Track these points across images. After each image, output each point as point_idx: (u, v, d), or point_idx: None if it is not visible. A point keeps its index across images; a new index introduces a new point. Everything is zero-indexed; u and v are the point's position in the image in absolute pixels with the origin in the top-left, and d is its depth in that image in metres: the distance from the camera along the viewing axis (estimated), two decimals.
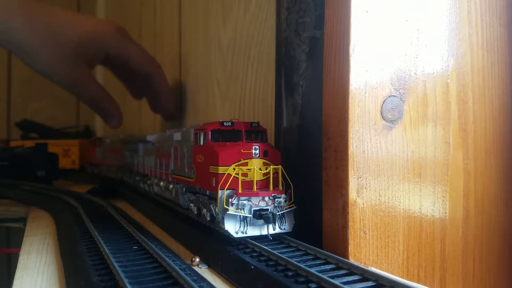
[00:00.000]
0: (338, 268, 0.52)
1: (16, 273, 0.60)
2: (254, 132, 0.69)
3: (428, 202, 0.63)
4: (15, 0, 1.08)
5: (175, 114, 1.37)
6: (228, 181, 0.62)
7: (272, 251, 0.56)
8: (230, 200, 0.61)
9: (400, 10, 0.61)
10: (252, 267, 0.54)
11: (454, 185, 0.65)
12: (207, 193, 0.68)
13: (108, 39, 1.15)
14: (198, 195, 0.73)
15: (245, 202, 0.61)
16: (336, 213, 0.60)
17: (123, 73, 1.30)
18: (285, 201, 0.63)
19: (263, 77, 0.88)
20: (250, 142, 0.66)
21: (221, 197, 0.62)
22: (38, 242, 0.76)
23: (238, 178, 0.62)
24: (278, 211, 0.62)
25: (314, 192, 0.65)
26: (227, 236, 0.62)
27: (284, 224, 0.63)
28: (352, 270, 0.50)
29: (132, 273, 0.52)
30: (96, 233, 0.69)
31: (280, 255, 0.55)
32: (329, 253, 0.56)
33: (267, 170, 0.64)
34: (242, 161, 0.63)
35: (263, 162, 0.64)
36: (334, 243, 0.61)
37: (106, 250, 0.59)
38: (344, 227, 0.59)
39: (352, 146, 0.58)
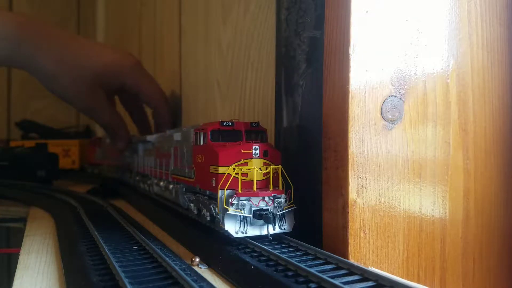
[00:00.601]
0: (338, 268, 0.52)
1: (16, 273, 0.60)
2: (254, 132, 0.69)
3: (428, 202, 0.63)
4: (42, 27, 1.15)
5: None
6: (228, 181, 0.62)
7: (272, 251, 0.56)
8: (230, 200, 0.61)
9: (400, 10, 0.61)
10: (252, 267, 0.54)
11: (454, 185, 0.65)
12: (207, 193, 0.68)
13: (125, 72, 1.25)
14: (198, 195, 0.73)
15: (245, 202, 0.61)
16: (336, 213, 0.60)
17: (130, 102, 1.40)
18: (285, 201, 0.63)
19: (263, 77, 0.88)
20: (250, 142, 0.66)
21: (221, 197, 0.62)
22: (38, 242, 0.76)
23: (238, 178, 0.62)
24: (278, 211, 0.62)
25: (314, 192, 0.65)
26: (227, 236, 0.62)
27: (284, 224, 0.63)
28: (352, 270, 0.50)
29: (132, 273, 0.52)
30: (96, 233, 0.69)
31: (280, 255, 0.55)
32: (329, 253, 0.56)
33: (267, 170, 0.64)
34: (242, 161, 0.63)
35: (263, 162, 0.64)
36: (334, 243, 0.61)
37: (106, 250, 0.59)
38: (344, 227, 0.59)
39: (352, 146, 0.58)
